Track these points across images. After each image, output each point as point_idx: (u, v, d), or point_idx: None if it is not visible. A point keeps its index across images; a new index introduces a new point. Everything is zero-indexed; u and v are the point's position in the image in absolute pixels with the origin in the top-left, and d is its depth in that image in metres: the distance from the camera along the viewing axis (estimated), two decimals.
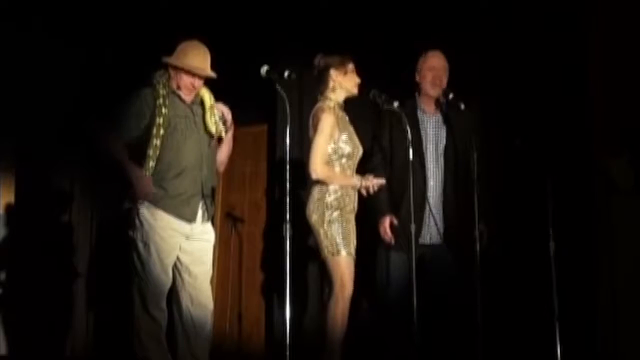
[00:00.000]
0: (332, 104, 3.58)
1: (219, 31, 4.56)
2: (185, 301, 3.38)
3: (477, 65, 4.26)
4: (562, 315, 3.49)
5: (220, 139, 3.54)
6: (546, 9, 4.10)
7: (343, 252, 3.45)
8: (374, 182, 3.52)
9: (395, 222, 3.59)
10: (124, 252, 3.47)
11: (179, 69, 3.36)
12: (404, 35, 4.27)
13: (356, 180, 3.51)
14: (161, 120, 3.29)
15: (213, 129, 3.46)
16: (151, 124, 3.30)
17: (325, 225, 3.47)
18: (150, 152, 3.28)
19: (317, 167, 3.40)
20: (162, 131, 3.29)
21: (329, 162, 3.53)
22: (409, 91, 3.86)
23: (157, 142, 3.29)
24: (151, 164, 3.28)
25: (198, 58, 3.38)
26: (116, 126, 3.31)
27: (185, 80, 3.38)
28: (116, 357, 4.72)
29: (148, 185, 3.26)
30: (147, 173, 3.28)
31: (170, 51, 3.41)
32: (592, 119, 3.92)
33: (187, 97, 3.42)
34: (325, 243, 3.45)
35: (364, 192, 3.54)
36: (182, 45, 3.41)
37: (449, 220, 3.70)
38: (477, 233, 3.48)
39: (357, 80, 3.61)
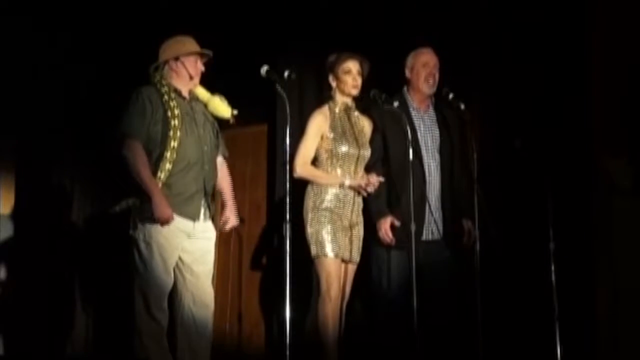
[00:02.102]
0: (334, 105, 3.64)
1: (219, 31, 4.57)
2: (187, 301, 3.37)
3: (477, 65, 4.26)
4: (562, 315, 3.49)
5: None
6: (546, 8, 4.09)
7: (330, 254, 3.48)
8: (368, 182, 3.52)
9: (397, 222, 3.57)
10: (124, 252, 3.47)
11: (186, 59, 3.39)
12: (404, 35, 4.27)
13: (346, 180, 3.53)
14: (177, 122, 3.29)
15: (228, 112, 3.50)
16: (159, 122, 3.30)
17: (315, 225, 3.50)
18: (168, 154, 3.26)
19: (297, 167, 3.42)
20: (179, 133, 3.28)
21: (321, 162, 3.60)
22: (396, 86, 3.85)
23: (175, 144, 3.27)
24: (168, 166, 3.27)
25: (192, 43, 3.45)
26: (125, 127, 3.28)
27: (194, 67, 3.42)
28: (116, 357, 4.72)
29: (168, 211, 3.23)
30: (163, 175, 3.26)
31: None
32: (592, 119, 3.92)
33: (186, 94, 3.44)
34: (313, 243, 3.50)
35: (363, 192, 3.55)
36: (167, 42, 3.45)
37: (448, 216, 3.70)
38: (477, 233, 3.50)
39: (354, 81, 3.62)
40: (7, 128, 5.04)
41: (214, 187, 3.51)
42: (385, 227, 3.57)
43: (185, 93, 3.44)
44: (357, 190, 3.56)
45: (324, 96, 3.75)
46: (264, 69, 3.18)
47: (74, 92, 5.18)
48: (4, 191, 5.13)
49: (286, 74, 3.17)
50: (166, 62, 3.43)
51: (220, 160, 3.59)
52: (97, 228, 5.28)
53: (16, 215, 5.11)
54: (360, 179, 3.57)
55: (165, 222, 3.22)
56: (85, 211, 5.35)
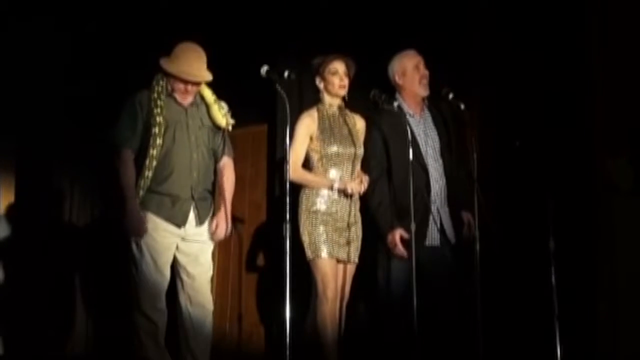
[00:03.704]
0: (322, 107, 3.65)
1: (219, 31, 4.58)
2: (184, 301, 3.39)
3: (477, 64, 4.26)
4: (562, 315, 3.49)
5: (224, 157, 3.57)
6: (547, 8, 4.09)
7: (324, 254, 3.49)
8: (355, 186, 3.53)
9: (405, 235, 3.50)
10: (122, 252, 3.47)
11: (171, 74, 3.37)
12: (404, 35, 4.26)
13: (335, 183, 3.53)
14: (157, 129, 3.30)
15: (223, 122, 3.48)
16: (147, 128, 3.30)
17: (309, 227, 3.52)
18: (147, 161, 3.29)
19: (290, 171, 3.43)
20: (159, 140, 3.29)
21: (312, 164, 3.61)
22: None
23: (153, 152, 3.29)
24: (147, 173, 3.30)
25: (189, 62, 3.36)
26: (115, 138, 3.33)
27: (179, 84, 3.38)
28: (116, 357, 4.72)
29: (139, 223, 3.27)
30: (143, 182, 3.29)
31: (169, 52, 3.42)
32: (592, 119, 3.92)
33: (184, 100, 3.42)
34: (307, 245, 3.51)
35: (351, 192, 3.54)
36: (177, 48, 3.41)
37: (453, 220, 3.69)
38: (477, 233, 3.49)
39: (341, 82, 3.61)
40: (7, 128, 5.04)
41: (210, 191, 3.52)
42: (396, 241, 3.53)
43: (182, 98, 3.42)
44: (346, 191, 3.56)
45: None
46: (264, 69, 3.18)
47: (74, 92, 5.18)
48: (3, 191, 5.12)
49: (286, 74, 3.18)
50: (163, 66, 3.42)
51: (225, 161, 3.59)
52: (96, 228, 5.28)
53: (16, 215, 5.10)
54: (350, 182, 3.56)
55: (134, 235, 3.26)
56: (85, 211, 5.35)
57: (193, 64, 3.36)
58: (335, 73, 3.61)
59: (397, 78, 3.74)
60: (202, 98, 3.50)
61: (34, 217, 5.10)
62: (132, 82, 3.52)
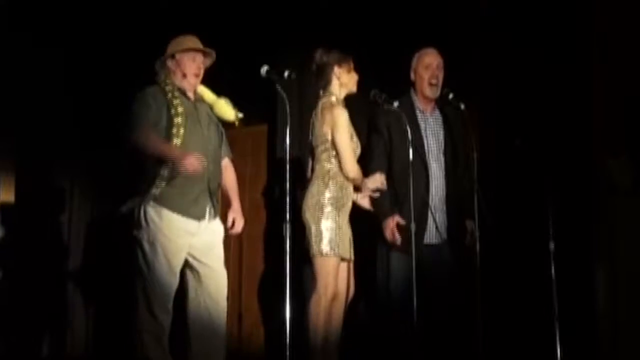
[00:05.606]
0: (337, 102, 3.63)
1: (219, 31, 4.57)
2: (202, 297, 3.33)
3: (477, 65, 4.27)
4: (562, 315, 3.49)
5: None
6: (547, 8, 4.10)
7: (331, 253, 3.47)
8: (372, 188, 3.56)
9: (401, 221, 3.54)
10: (124, 252, 3.46)
11: (180, 57, 3.38)
12: (404, 36, 4.27)
13: (368, 184, 3.56)
14: (179, 119, 3.27)
15: (232, 115, 3.49)
16: (162, 120, 3.29)
17: (318, 223, 3.49)
18: None
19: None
20: (182, 130, 3.27)
21: (331, 161, 3.57)
22: (403, 88, 3.84)
23: (177, 141, 3.25)
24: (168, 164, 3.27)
25: (192, 41, 3.43)
26: (130, 128, 3.27)
27: (191, 66, 3.40)
28: (116, 357, 4.72)
29: (191, 159, 3.16)
30: (166, 172, 3.24)
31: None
32: (592, 118, 3.93)
33: (190, 94, 3.43)
34: (314, 241, 3.48)
35: (367, 197, 3.55)
36: (173, 41, 3.45)
37: (452, 219, 3.69)
38: (477, 233, 3.49)
39: (357, 78, 3.66)
40: (7, 128, 5.04)
41: (219, 186, 3.51)
42: (392, 227, 3.56)
43: (189, 93, 3.43)
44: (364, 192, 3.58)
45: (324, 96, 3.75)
46: (264, 69, 3.17)
47: (75, 92, 5.18)
48: (3, 191, 5.12)
49: (286, 74, 3.17)
50: (166, 60, 3.43)
51: (226, 162, 3.59)
52: (97, 228, 5.28)
53: (16, 215, 5.10)
54: (373, 182, 3.58)
55: (194, 168, 3.14)
56: (86, 211, 5.35)
57: (197, 42, 3.44)
58: (354, 70, 3.65)
59: (411, 73, 3.79)
60: (202, 98, 3.51)
61: (33, 216, 5.10)
62: (133, 82, 3.52)
